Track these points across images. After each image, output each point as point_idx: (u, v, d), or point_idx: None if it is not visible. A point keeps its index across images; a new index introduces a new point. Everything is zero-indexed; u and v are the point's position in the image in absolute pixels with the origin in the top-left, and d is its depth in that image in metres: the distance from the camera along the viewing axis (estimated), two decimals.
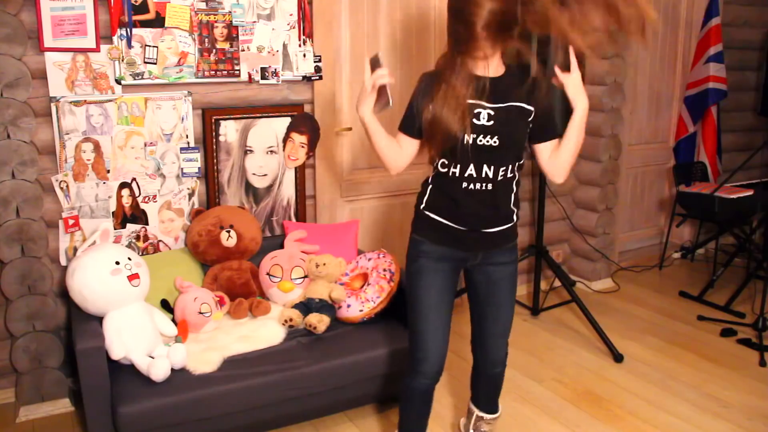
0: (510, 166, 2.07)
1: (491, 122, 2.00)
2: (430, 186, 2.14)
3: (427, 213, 2.13)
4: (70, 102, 2.84)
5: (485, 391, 2.44)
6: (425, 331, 2.14)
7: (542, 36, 2.18)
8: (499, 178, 2.05)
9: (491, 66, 2.00)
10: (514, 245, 2.22)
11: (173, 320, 2.80)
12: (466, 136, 1.98)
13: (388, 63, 3.71)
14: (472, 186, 2.04)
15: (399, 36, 3.73)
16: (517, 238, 2.23)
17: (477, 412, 2.48)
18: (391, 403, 2.98)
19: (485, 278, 2.20)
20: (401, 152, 2.16)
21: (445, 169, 2.07)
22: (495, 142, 2.01)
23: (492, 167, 2.03)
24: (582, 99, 2.08)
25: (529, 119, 2.08)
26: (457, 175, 2.05)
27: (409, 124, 2.13)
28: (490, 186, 2.05)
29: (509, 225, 2.15)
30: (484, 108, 2.00)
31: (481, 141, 2.00)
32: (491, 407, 2.47)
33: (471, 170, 2.03)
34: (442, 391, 3.12)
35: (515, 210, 2.16)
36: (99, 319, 2.57)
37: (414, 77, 3.79)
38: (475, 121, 1.99)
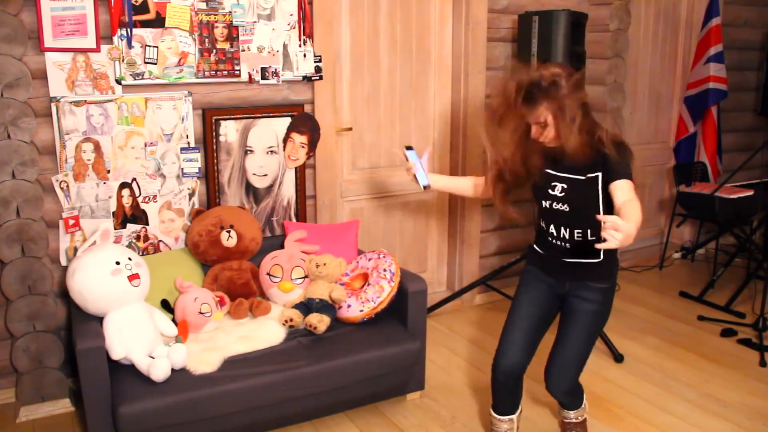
0: (586, 230, 2.27)
1: (563, 193, 2.26)
2: (536, 223, 2.44)
3: (533, 246, 2.45)
4: (71, 102, 2.84)
5: (559, 403, 2.62)
6: (507, 333, 2.40)
7: None
8: (576, 238, 2.28)
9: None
10: (603, 288, 2.33)
11: (173, 320, 2.80)
12: (543, 202, 2.31)
13: (388, 63, 3.72)
14: (552, 240, 2.33)
15: (399, 36, 3.73)
16: (609, 281, 2.34)
17: (563, 410, 2.65)
18: (392, 402, 2.99)
19: (568, 307, 2.39)
20: (481, 188, 2.59)
21: (540, 221, 2.37)
22: (566, 208, 2.26)
23: (563, 228, 2.29)
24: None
25: (598, 183, 2.25)
26: (544, 228, 2.35)
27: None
28: (568, 245, 2.29)
29: (592, 260, 2.30)
30: (559, 180, 2.26)
31: (555, 206, 2.28)
32: (570, 407, 2.60)
33: (552, 229, 2.31)
34: (439, 390, 3.12)
35: (599, 252, 2.28)
36: (99, 320, 2.57)
37: (414, 77, 3.81)
38: (549, 191, 2.27)
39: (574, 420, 2.61)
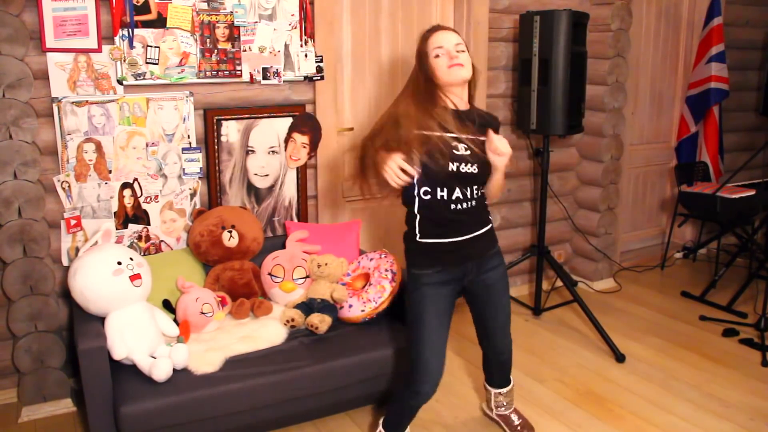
0: (484, 185, 2.34)
1: (468, 152, 2.23)
2: (418, 217, 2.29)
3: (423, 241, 2.30)
4: (72, 102, 2.85)
5: (498, 373, 2.71)
6: (429, 358, 2.30)
7: None
8: (473, 196, 2.29)
9: (459, 101, 2.29)
10: (497, 250, 2.45)
11: (175, 320, 2.80)
12: (451, 165, 2.20)
13: (388, 64, 3.72)
14: (459, 206, 2.26)
15: (401, 36, 3.73)
16: (497, 243, 2.46)
17: (494, 390, 2.76)
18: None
19: (482, 286, 2.41)
20: None
21: (429, 196, 2.25)
22: (474, 169, 2.24)
23: (474, 188, 2.29)
24: (500, 160, 2.26)
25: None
26: (445, 198, 2.24)
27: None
28: (467, 206, 2.27)
29: (489, 227, 2.40)
30: (460, 141, 2.23)
31: (463, 169, 2.22)
32: (504, 383, 2.74)
33: (458, 193, 2.25)
34: (440, 389, 3.12)
35: (489, 215, 2.42)
36: (101, 320, 2.57)
37: None
38: (455, 151, 2.21)
39: (508, 407, 2.75)
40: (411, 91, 2.27)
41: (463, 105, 2.30)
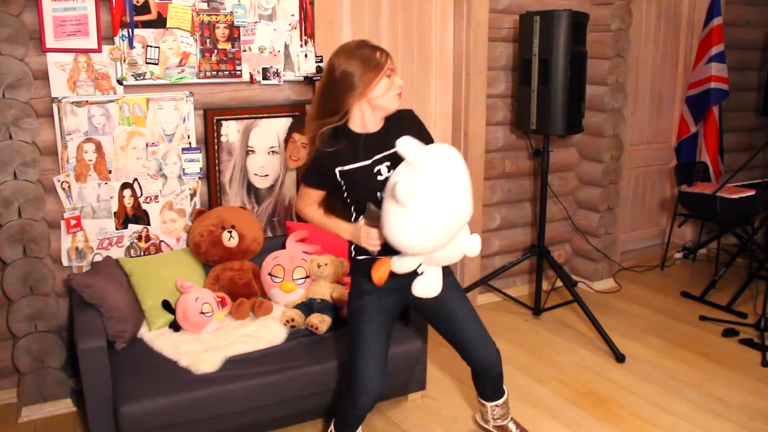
0: None
1: (391, 171, 2.11)
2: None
3: (359, 257, 2.24)
4: (72, 102, 2.85)
5: (491, 386, 2.57)
6: (365, 371, 2.23)
7: None
8: None
9: (369, 123, 2.16)
10: None
11: (175, 321, 2.80)
12: (378, 194, 2.11)
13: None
14: None
15: (401, 36, 3.73)
16: None
17: (488, 404, 2.63)
18: (394, 403, 2.98)
19: (433, 301, 2.25)
20: (314, 206, 2.31)
21: (354, 216, 2.21)
22: (386, 174, 2.13)
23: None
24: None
25: None
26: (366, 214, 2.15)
27: (319, 183, 2.22)
28: None
29: None
30: (379, 162, 2.14)
31: (379, 178, 2.13)
32: (499, 394, 2.61)
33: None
34: (441, 390, 3.12)
35: None
36: (101, 320, 2.58)
37: (415, 77, 3.81)
38: (379, 177, 2.13)
39: (505, 418, 2.65)
40: (325, 110, 2.12)
41: (376, 125, 2.17)
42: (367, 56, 2.08)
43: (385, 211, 1.94)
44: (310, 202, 2.27)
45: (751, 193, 4.12)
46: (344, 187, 2.16)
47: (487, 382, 2.54)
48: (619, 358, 3.43)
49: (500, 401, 2.61)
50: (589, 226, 4.41)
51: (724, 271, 4.37)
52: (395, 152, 1.94)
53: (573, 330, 3.81)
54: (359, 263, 2.24)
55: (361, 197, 2.14)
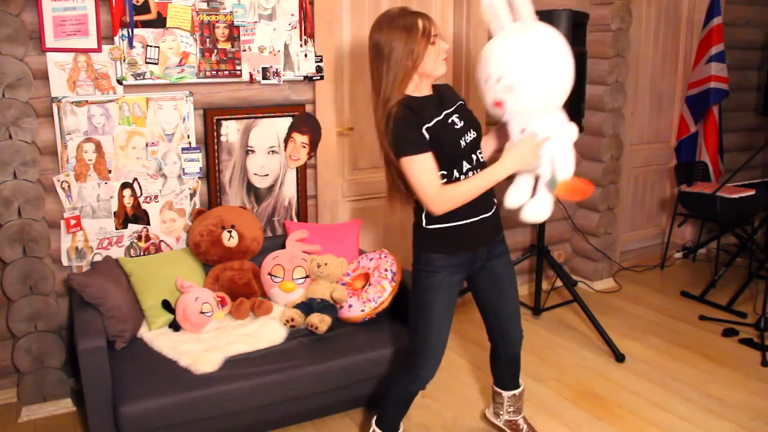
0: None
1: (462, 121, 2.19)
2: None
3: (434, 226, 2.20)
4: (72, 102, 2.85)
5: (509, 371, 2.60)
6: (436, 345, 2.29)
7: None
8: (482, 159, 2.26)
9: (422, 91, 2.18)
10: (503, 237, 2.40)
11: (175, 320, 2.80)
12: (461, 142, 2.16)
13: None
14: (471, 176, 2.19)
15: None
16: (503, 229, 2.40)
17: (505, 393, 2.64)
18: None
19: (489, 274, 2.35)
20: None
21: (445, 179, 2.15)
22: (474, 133, 2.22)
23: (479, 153, 2.25)
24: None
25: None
26: (456, 177, 2.16)
27: (428, 143, 2.12)
28: (480, 169, 2.21)
29: (496, 208, 2.32)
30: (450, 115, 2.18)
31: (467, 138, 2.18)
32: (516, 384, 2.64)
33: (467, 165, 2.18)
34: (441, 390, 3.12)
35: (494, 196, 2.32)
36: (101, 319, 2.58)
37: None
38: (455, 127, 2.17)
39: (517, 413, 2.67)
40: (400, 80, 2.07)
41: (427, 92, 2.19)
42: (410, 25, 2.04)
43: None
44: (434, 176, 2.09)
45: (751, 192, 4.12)
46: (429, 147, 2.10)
47: (506, 365, 2.57)
48: (619, 358, 3.43)
49: (517, 391, 2.63)
50: (589, 225, 4.41)
51: (724, 271, 4.37)
52: (459, 105, 2.17)
53: (573, 330, 3.81)
54: (433, 234, 2.19)
55: (446, 151, 2.10)
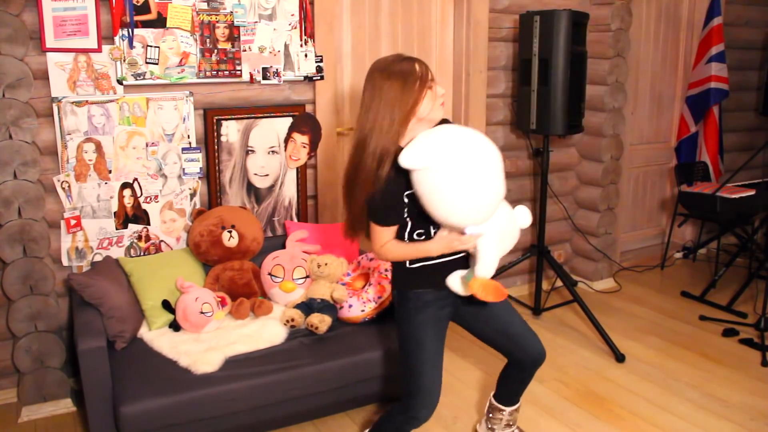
0: None
1: None
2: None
3: (417, 265, 2.17)
4: (72, 102, 2.85)
5: (521, 389, 2.52)
6: (431, 384, 2.21)
7: None
8: None
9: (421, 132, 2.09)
10: None
11: (175, 320, 2.80)
12: None
13: None
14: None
15: (401, 36, 3.73)
16: None
17: (507, 408, 2.56)
18: (393, 402, 2.98)
19: (477, 302, 2.21)
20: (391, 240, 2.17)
21: (423, 237, 2.13)
22: None
23: None
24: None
25: None
26: (435, 231, 2.12)
27: (396, 217, 2.10)
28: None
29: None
30: None
31: None
32: (517, 399, 2.57)
33: (434, 230, 2.13)
34: (446, 395, 3.11)
35: None
36: (101, 320, 2.58)
37: None
38: None
39: (513, 425, 2.61)
40: (397, 126, 2.00)
41: None
42: (406, 71, 2.00)
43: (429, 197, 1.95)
44: (387, 239, 2.11)
45: (751, 193, 4.12)
46: (407, 211, 2.07)
47: (524, 381, 2.47)
48: (619, 358, 3.43)
49: (517, 405, 2.57)
50: (589, 226, 4.41)
51: (724, 271, 4.37)
52: None
53: (573, 330, 3.81)
54: (418, 272, 2.18)
55: (424, 215, 2.03)
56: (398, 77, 1.99)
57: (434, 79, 2.07)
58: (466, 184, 1.91)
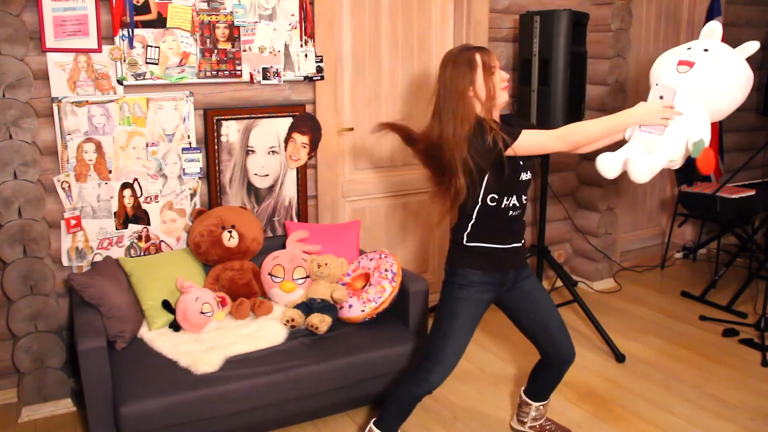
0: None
1: (523, 161, 2.29)
2: (472, 220, 2.31)
3: (473, 244, 2.32)
4: (72, 102, 2.85)
5: (551, 386, 2.65)
6: (451, 354, 2.35)
7: None
8: (524, 203, 2.36)
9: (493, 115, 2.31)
10: (528, 264, 2.53)
11: (175, 320, 2.80)
12: (522, 174, 2.29)
13: (390, 63, 3.72)
14: (512, 213, 2.32)
15: (401, 36, 3.73)
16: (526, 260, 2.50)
17: (534, 403, 2.69)
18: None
19: (520, 292, 2.43)
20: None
21: (494, 203, 2.27)
22: (528, 176, 2.33)
23: (524, 197, 2.35)
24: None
25: None
26: (504, 206, 2.29)
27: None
28: (520, 212, 2.35)
29: (524, 241, 2.45)
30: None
31: (523, 177, 2.30)
32: (546, 397, 2.70)
33: (514, 200, 2.30)
34: (441, 390, 3.12)
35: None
36: (101, 320, 2.58)
37: (415, 77, 3.81)
38: (519, 161, 2.27)
39: (543, 416, 2.73)
40: (468, 110, 2.22)
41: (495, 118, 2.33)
42: (470, 60, 2.23)
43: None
44: (550, 132, 2.24)
45: (751, 193, 4.12)
46: (495, 172, 2.20)
47: (553, 380, 2.60)
48: (619, 358, 3.43)
49: (546, 402, 2.70)
50: (589, 226, 4.41)
51: (724, 271, 4.37)
52: None
53: (573, 330, 3.81)
54: (471, 251, 2.32)
55: (505, 179, 2.22)
56: (464, 66, 2.22)
57: (497, 65, 2.27)
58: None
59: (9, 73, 2.65)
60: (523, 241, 2.41)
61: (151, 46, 2.94)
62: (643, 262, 4.95)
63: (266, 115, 3.26)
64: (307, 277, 3.05)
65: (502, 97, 2.27)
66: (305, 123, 3.36)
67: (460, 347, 2.35)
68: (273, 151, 3.32)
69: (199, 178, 3.17)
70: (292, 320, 2.80)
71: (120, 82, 2.92)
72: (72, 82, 2.84)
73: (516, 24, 3.90)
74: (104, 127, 2.93)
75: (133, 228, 3.07)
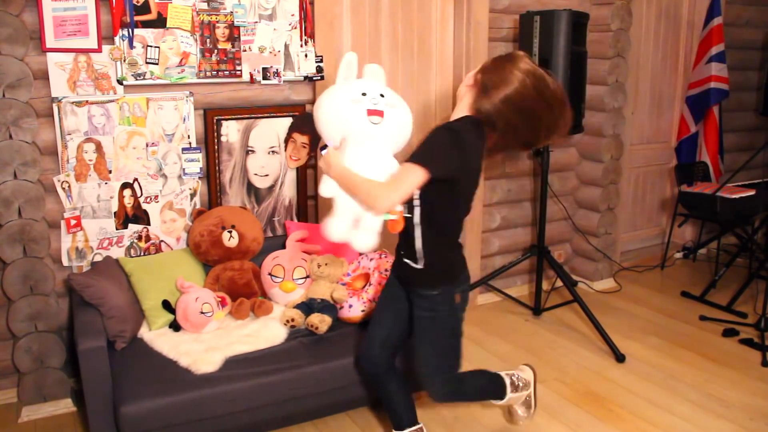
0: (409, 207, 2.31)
1: None
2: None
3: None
4: (72, 102, 2.85)
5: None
6: (364, 345, 2.50)
7: None
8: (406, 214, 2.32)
9: None
10: (430, 295, 2.27)
11: (175, 320, 2.80)
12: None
13: (389, 62, 3.72)
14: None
15: (401, 36, 3.73)
16: (433, 290, 2.26)
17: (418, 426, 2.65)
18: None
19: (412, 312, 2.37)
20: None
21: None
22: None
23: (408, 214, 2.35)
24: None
25: None
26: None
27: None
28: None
29: (418, 267, 2.29)
30: None
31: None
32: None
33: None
34: None
35: (424, 256, 2.28)
36: (101, 320, 2.58)
37: (415, 77, 3.81)
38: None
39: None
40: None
41: None
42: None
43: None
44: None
45: (751, 193, 4.12)
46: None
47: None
48: (619, 358, 3.43)
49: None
50: (589, 226, 4.41)
51: (724, 271, 4.37)
52: None
53: (573, 330, 3.81)
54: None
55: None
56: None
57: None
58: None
59: (9, 73, 2.65)
60: (409, 261, 2.32)
61: (151, 46, 2.95)
62: (643, 262, 4.95)
63: (266, 115, 3.26)
64: (307, 277, 3.05)
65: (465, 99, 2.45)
66: (305, 123, 3.36)
67: (376, 323, 2.47)
68: (273, 151, 3.32)
69: (199, 178, 3.17)
70: (292, 320, 2.80)
71: (120, 82, 2.92)
72: (72, 82, 2.84)
73: (516, 24, 3.91)
74: (104, 127, 2.93)
75: (133, 228, 3.07)
